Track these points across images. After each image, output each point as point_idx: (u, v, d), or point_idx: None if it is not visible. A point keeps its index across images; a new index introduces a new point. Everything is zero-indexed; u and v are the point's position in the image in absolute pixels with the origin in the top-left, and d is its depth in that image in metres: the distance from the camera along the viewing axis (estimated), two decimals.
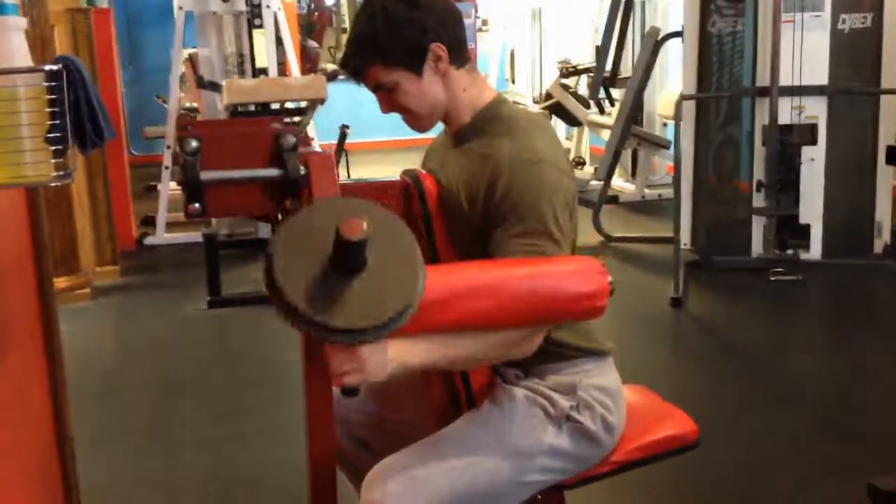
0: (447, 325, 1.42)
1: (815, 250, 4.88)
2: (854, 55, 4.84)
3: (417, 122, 1.68)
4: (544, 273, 1.47)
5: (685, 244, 5.02)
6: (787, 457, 2.86)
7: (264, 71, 5.53)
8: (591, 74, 6.81)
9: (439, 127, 1.78)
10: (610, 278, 1.49)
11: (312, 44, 10.59)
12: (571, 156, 7.76)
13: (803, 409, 3.21)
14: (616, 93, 6.86)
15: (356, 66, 1.63)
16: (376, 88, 1.65)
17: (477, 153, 1.62)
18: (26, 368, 2.03)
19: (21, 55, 1.60)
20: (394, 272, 1.28)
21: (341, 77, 1.59)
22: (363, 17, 1.62)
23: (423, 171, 1.69)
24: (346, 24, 10.87)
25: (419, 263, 1.31)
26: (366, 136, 8.46)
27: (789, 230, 4.86)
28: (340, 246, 1.22)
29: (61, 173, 1.47)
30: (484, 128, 1.65)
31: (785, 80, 4.69)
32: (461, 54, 1.66)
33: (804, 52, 4.69)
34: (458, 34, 1.66)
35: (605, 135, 6.64)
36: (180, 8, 5.77)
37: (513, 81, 9.51)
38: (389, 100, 1.65)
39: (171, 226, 5.96)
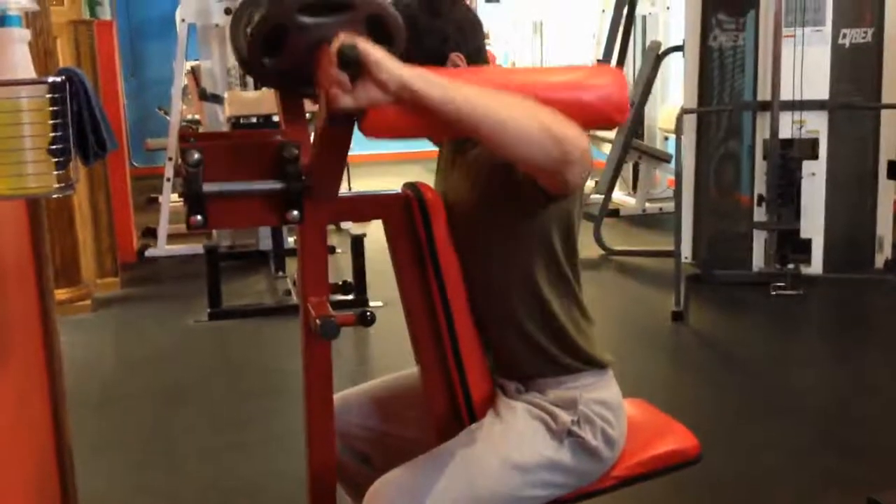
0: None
1: (816, 265, 4.88)
2: (855, 70, 4.85)
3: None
4: (573, 78, 1.47)
5: (686, 258, 5.02)
6: (787, 470, 2.85)
7: None
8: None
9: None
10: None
11: None
12: None
13: (804, 423, 3.21)
14: None
15: None
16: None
17: (480, 152, 1.60)
18: (26, 378, 2.03)
19: (24, 67, 1.60)
20: None
21: None
22: None
23: (425, 183, 1.69)
24: None
25: None
26: (368, 148, 8.45)
27: (790, 244, 4.85)
28: None
29: (63, 185, 1.48)
30: None
31: (786, 94, 4.70)
32: (479, 62, 1.66)
33: (805, 67, 4.70)
34: (478, 43, 1.66)
35: (606, 148, 6.65)
36: (183, 20, 5.79)
37: None
38: None
39: (172, 237, 5.96)
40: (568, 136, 1.31)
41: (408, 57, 1.42)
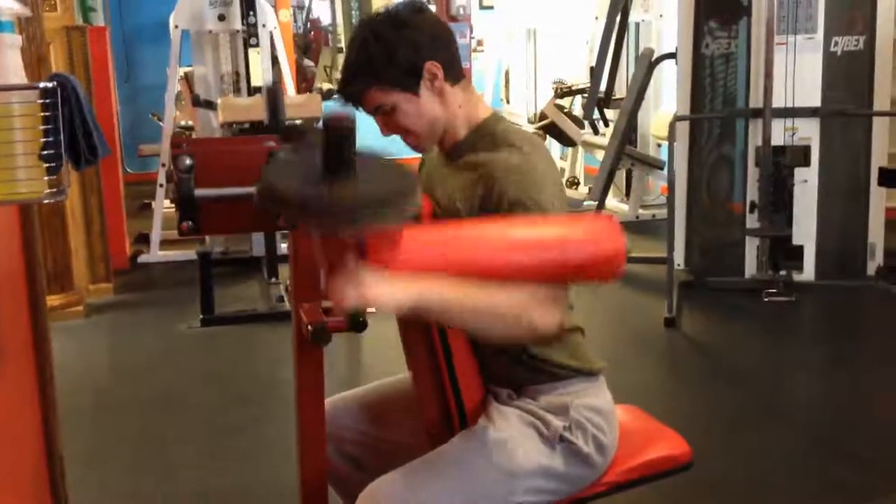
0: (460, 270, 1.39)
1: (808, 271, 4.89)
2: (847, 77, 4.87)
3: (418, 141, 1.68)
4: (563, 233, 1.46)
5: (679, 264, 5.03)
6: (781, 476, 2.86)
7: (260, 90, 5.54)
8: (586, 95, 6.84)
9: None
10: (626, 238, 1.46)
11: (308, 63, 10.61)
12: (566, 176, 7.77)
13: (797, 429, 3.21)
14: (610, 113, 6.88)
15: (354, 92, 1.63)
16: (375, 111, 1.65)
17: (472, 167, 1.62)
18: (17, 386, 2.02)
19: (16, 72, 1.60)
20: (388, 180, 1.30)
21: (337, 96, 1.59)
22: (355, 43, 1.62)
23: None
24: (342, 44, 10.88)
25: (412, 172, 1.32)
26: None
27: (783, 251, 4.86)
28: (331, 139, 1.22)
29: (55, 190, 1.48)
30: (478, 144, 1.65)
31: (778, 101, 4.71)
32: (455, 71, 1.66)
33: (797, 75, 4.72)
34: (451, 51, 1.66)
35: (600, 155, 6.66)
36: (176, 26, 5.79)
37: (507, 101, 9.54)
38: (389, 122, 1.65)
39: (165, 243, 5.94)
40: (542, 326, 1.44)
41: (384, 75, 1.56)
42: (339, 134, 1.21)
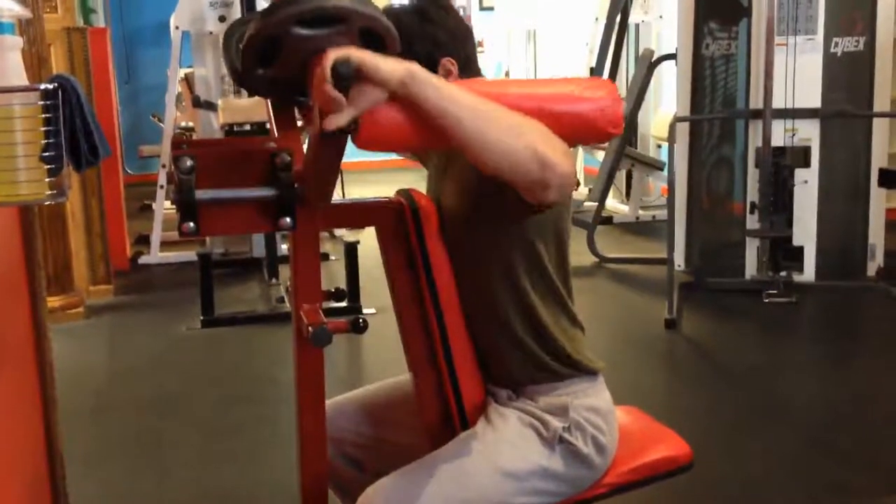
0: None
1: (808, 272, 4.89)
2: (847, 78, 4.87)
3: None
4: (563, 94, 1.45)
5: (679, 265, 5.03)
6: (782, 477, 2.86)
7: None
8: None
9: None
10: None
11: None
12: None
13: (798, 430, 3.21)
14: None
15: None
16: None
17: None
18: (18, 387, 2.03)
19: (17, 74, 1.60)
20: None
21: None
22: None
23: (418, 190, 1.69)
24: None
25: None
26: (362, 155, 8.46)
27: (783, 252, 4.87)
28: None
29: (56, 192, 1.48)
30: None
31: (778, 102, 4.71)
32: (471, 70, 1.67)
33: (797, 75, 4.72)
34: (468, 50, 1.67)
35: (600, 156, 6.67)
36: (177, 27, 5.79)
37: None
38: None
39: (165, 245, 5.95)
40: (551, 161, 1.31)
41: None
42: None
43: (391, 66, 1.27)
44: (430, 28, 1.61)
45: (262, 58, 1.34)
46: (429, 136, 1.35)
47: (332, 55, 1.23)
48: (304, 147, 1.46)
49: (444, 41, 1.62)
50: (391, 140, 1.37)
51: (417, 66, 1.30)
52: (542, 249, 1.61)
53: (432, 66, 1.61)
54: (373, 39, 1.33)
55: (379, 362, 3.92)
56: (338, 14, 1.28)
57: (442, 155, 1.73)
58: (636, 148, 7.18)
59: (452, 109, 1.30)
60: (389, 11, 1.62)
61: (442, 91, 1.30)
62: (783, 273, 4.78)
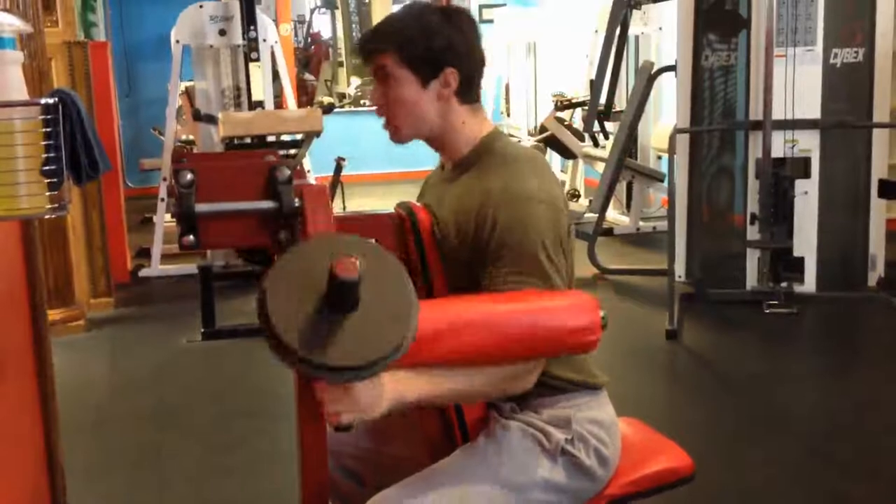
0: (440, 359, 1.42)
1: (809, 283, 4.89)
2: (846, 89, 4.88)
3: (396, 131, 1.68)
4: (537, 308, 1.48)
5: (680, 276, 5.03)
6: (784, 488, 2.85)
7: (260, 104, 5.55)
8: (586, 108, 6.85)
9: (434, 160, 1.79)
10: (602, 312, 1.49)
11: (309, 77, 10.66)
12: (566, 188, 7.78)
13: (800, 441, 3.20)
14: (610, 126, 6.90)
15: (374, 46, 1.65)
16: (377, 72, 1.65)
17: (470, 188, 1.62)
18: (19, 399, 2.02)
19: (18, 88, 1.61)
20: (387, 309, 1.28)
21: (337, 110, 1.61)
22: (403, 10, 1.68)
23: (418, 204, 1.70)
24: (343, 58, 10.94)
25: (413, 299, 1.31)
26: (362, 168, 8.48)
27: (783, 263, 4.86)
28: (334, 285, 1.22)
29: (56, 206, 1.48)
30: (478, 161, 1.66)
31: (778, 113, 4.72)
32: (470, 91, 1.68)
33: (797, 87, 4.73)
34: (475, 72, 1.68)
35: (600, 167, 6.67)
36: (177, 41, 5.81)
37: (508, 114, 9.57)
38: (384, 93, 1.66)
39: (166, 258, 5.95)
40: (517, 392, 1.56)
41: (411, 48, 1.59)
42: (342, 283, 1.21)
43: (379, 408, 1.38)
44: (451, 33, 1.63)
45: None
46: None
47: (332, 419, 1.35)
48: None
49: (457, 51, 1.63)
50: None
51: (399, 392, 1.40)
52: None
53: (436, 69, 1.62)
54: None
55: None
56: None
57: (451, 165, 1.73)
58: (636, 159, 7.19)
59: (436, 402, 1.52)
60: (420, 3, 1.65)
61: (428, 402, 1.48)
62: (784, 284, 4.78)
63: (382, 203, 1.58)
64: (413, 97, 1.64)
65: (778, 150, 4.76)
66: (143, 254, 6.27)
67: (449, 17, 1.64)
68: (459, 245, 1.60)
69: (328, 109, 5.65)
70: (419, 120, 1.66)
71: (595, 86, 6.38)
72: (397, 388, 1.40)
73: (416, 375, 1.42)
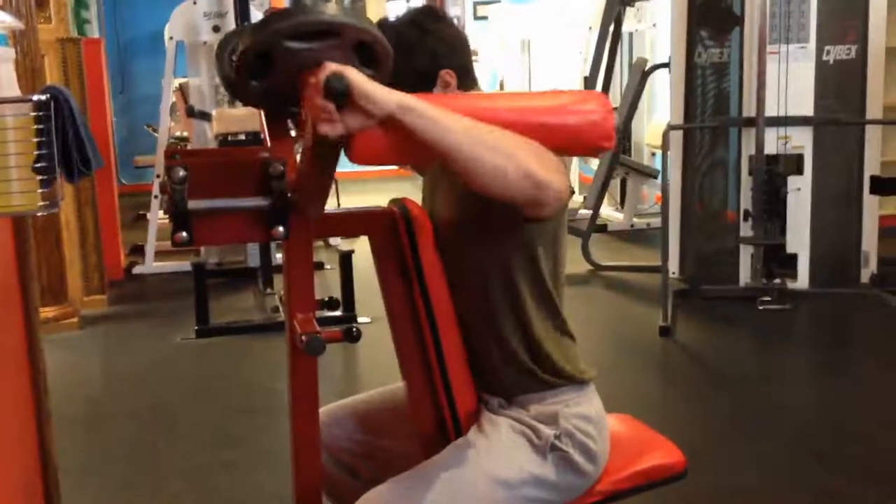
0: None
1: (802, 279, 4.91)
2: (839, 86, 4.89)
3: None
4: (557, 101, 1.46)
5: (673, 273, 5.04)
6: (776, 485, 2.86)
7: None
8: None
9: None
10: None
11: None
12: None
13: (792, 438, 3.21)
14: None
15: None
16: None
17: None
18: (11, 398, 2.02)
19: (9, 85, 1.61)
20: None
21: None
22: None
23: (411, 199, 1.70)
24: None
25: None
26: (356, 165, 8.49)
27: (777, 259, 4.88)
28: None
29: (48, 202, 1.48)
30: None
31: (771, 110, 4.73)
32: (469, 80, 1.68)
33: (789, 84, 4.74)
34: (466, 61, 1.68)
35: (594, 164, 6.68)
36: (171, 38, 5.80)
37: None
38: None
39: (159, 255, 5.95)
40: (544, 179, 1.34)
41: (397, 76, 1.45)
42: None
43: (382, 95, 1.25)
44: (430, 40, 1.62)
45: (255, 70, 1.34)
46: (422, 153, 1.36)
47: (327, 70, 1.23)
48: (298, 157, 1.47)
49: (442, 53, 1.63)
50: (384, 155, 1.37)
51: (409, 97, 1.28)
52: (539, 257, 1.61)
53: (432, 79, 1.62)
54: (367, 56, 1.33)
55: (373, 371, 3.92)
56: (330, 28, 1.28)
57: (436, 164, 1.73)
58: (630, 156, 7.20)
59: (445, 138, 1.30)
60: (386, 24, 1.63)
61: (434, 122, 1.29)
62: (777, 280, 4.79)
63: (377, 200, 1.58)
64: None
65: (771, 147, 4.77)
66: (137, 251, 6.27)
67: (421, 28, 1.63)
68: (459, 228, 1.60)
69: None
70: None
71: (589, 82, 6.38)
72: (407, 95, 1.28)
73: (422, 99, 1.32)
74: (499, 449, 1.59)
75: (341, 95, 1.22)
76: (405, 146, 1.33)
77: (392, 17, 1.67)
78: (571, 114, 1.45)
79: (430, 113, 1.29)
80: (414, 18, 1.64)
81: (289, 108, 1.49)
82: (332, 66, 1.23)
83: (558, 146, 1.42)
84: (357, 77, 1.24)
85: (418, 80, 1.60)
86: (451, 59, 1.64)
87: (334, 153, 1.35)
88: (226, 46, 1.57)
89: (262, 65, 1.32)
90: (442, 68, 1.63)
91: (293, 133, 1.57)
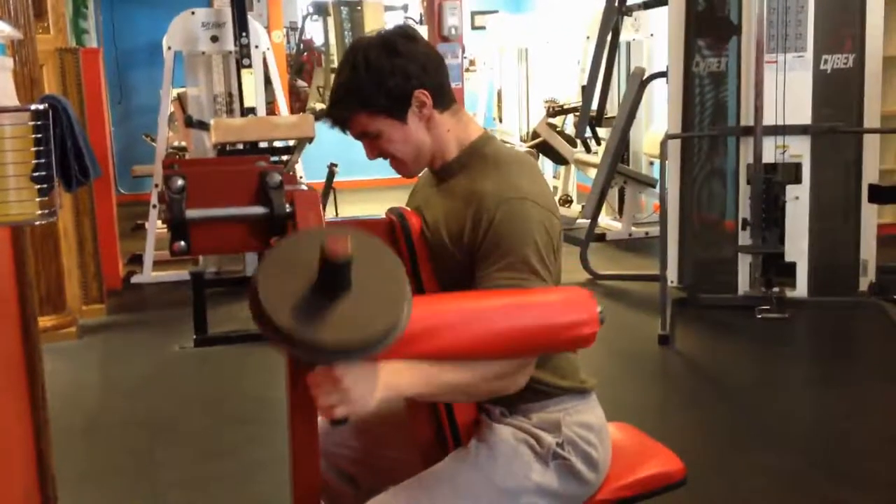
0: (434, 353, 1.40)
1: (800, 288, 4.90)
2: (837, 95, 4.90)
3: (404, 167, 1.70)
4: (533, 302, 1.48)
5: (672, 282, 5.03)
6: (776, 494, 2.85)
7: (252, 110, 5.56)
8: (578, 114, 6.87)
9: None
10: (599, 307, 1.49)
11: (301, 83, 10.66)
12: (558, 194, 7.80)
13: (792, 447, 3.21)
14: (602, 132, 6.92)
15: (340, 116, 1.65)
16: (361, 136, 1.66)
17: (460, 190, 1.63)
18: (9, 407, 2.02)
19: (7, 95, 1.61)
20: (379, 293, 1.28)
21: (324, 119, 1.61)
22: (346, 67, 1.62)
23: (409, 209, 1.70)
24: (335, 64, 10.94)
25: (405, 284, 1.31)
26: (354, 174, 8.48)
27: (775, 268, 4.87)
28: (325, 265, 1.21)
29: (46, 212, 1.48)
30: (468, 164, 1.66)
31: (768, 119, 4.74)
32: (445, 98, 1.67)
33: (787, 93, 4.75)
34: (441, 78, 1.67)
35: (592, 173, 6.68)
36: (169, 48, 5.81)
37: (500, 120, 9.59)
38: (374, 146, 1.67)
39: (158, 264, 5.95)
40: (508, 390, 1.52)
41: (372, 99, 1.57)
42: (334, 261, 1.21)
43: (372, 403, 1.34)
44: (401, 62, 1.61)
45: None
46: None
47: (327, 410, 1.32)
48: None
49: (415, 73, 1.62)
50: None
51: (393, 386, 1.37)
52: None
53: (405, 100, 1.62)
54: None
55: None
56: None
57: (436, 171, 1.73)
58: (628, 165, 7.21)
59: (429, 395, 1.46)
60: (359, 47, 1.63)
61: (418, 394, 1.44)
62: (776, 289, 4.79)
63: (375, 209, 1.58)
64: (401, 136, 1.64)
65: (769, 156, 4.78)
66: (135, 260, 6.27)
67: (390, 50, 1.61)
68: (451, 248, 1.61)
69: (320, 116, 5.64)
70: (417, 150, 1.67)
71: (587, 92, 6.40)
72: (391, 380, 1.37)
73: (410, 367, 1.39)
74: (501, 458, 1.59)
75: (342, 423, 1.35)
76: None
77: (363, 39, 1.66)
78: (559, 319, 1.47)
79: (413, 390, 1.42)
80: (384, 40, 1.63)
81: None
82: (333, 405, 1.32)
83: (543, 349, 1.54)
84: (351, 409, 1.32)
85: (392, 104, 1.61)
86: (424, 79, 1.63)
87: None
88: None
89: None
90: (416, 88, 1.62)
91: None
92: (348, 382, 1.31)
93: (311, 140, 4.94)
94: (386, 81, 1.59)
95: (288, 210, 1.45)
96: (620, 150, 6.23)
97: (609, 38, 6.11)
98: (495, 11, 10.23)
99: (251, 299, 1.25)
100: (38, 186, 1.44)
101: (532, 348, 1.49)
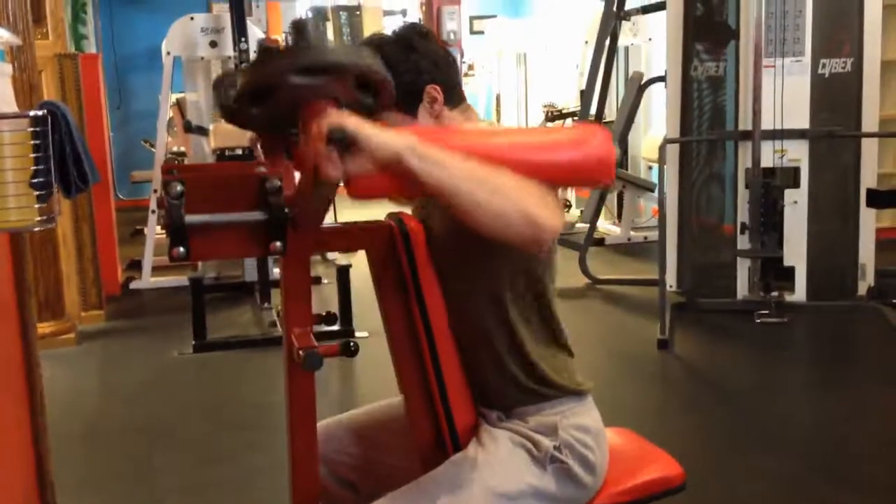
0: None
1: (799, 292, 4.91)
2: (834, 99, 4.91)
3: None
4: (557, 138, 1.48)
5: (671, 286, 5.04)
6: (775, 499, 2.85)
7: None
8: (576, 118, 6.88)
9: None
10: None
11: None
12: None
13: (791, 451, 3.21)
14: None
15: None
16: None
17: None
18: (8, 413, 2.02)
19: (6, 101, 1.61)
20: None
21: None
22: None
23: (408, 214, 1.70)
24: None
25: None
26: None
27: (774, 272, 4.88)
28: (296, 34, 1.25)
29: (45, 218, 1.48)
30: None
31: (767, 123, 4.74)
32: (455, 95, 1.69)
33: (785, 97, 4.76)
34: (452, 76, 1.69)
35: None
36: (168, 53, 5.82)
37: (498, 124, 9.60)
38: None
39: (157, 270, 5.94)
40: (545, 224, 1.34)
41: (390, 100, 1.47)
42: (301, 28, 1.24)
43: (385, 141, 1.26)
44: (414, 57, 1.63)
45: (256, 98, 1.35)
46: (423, 190, 1.36)
47: (329, 120, 1.24)
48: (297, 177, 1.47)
49: (428, 69, 1.64)
50: (384, 190, 1.40)
51: (413, 140, 1.29)
52: (531, 273, 1.61)
53: (418, 95, 1.63)
54: (368, 87, 1.34)
55: (371, 385, 3.92)
56: (333, 67, 1.29)
57: None
58: (627, 169, 7.21)
59: (448, 182, 1.31)
60: (372, 41, 1.65)
61: (437, 165, 1.30)
62: (774, 293, 4.79)
63: (374, 214, 1.57)
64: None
65: (767, 160, 4.79)
66: (134, 266, 6.26)
67: (405, 46, 1.64)
68: (454, 242, 1.60)
69: None
70: None
71: (585, 96, 6.40)
72: (411, 138, 1.29)
73: (437, 147, 1.32)
74: (498, 462, 1.59)
75: (343, 143, 1.24)
76: (406, 183, 1.34)
77: (377, 36, 1.68)
78: (575, 150, 1.46)
79: (435, 157, 1.30)
80: (399, 35, 1.66)
81: (287, 131, 1.49)
82: (334, 116, 1.25)
83: (561, 182, 1.47)
84: (359, 125, 1.25)
85: (405, 95, 1.62)
86: (437, 74, 1.65)
87: (333, 187, 1.36)
88: (222, 82, 1.57)
89: (261, 94, 1.33)
90: (427, 83, 1.64)
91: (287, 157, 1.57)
92: (371, 128, 1.26)
93: None
94: (399, 76, 1.60)
95: (287, 215, 1.45)
96: (619, 155, 6.23)
97: (607, 42, 6.11)
98: (494, 16, 10.25)
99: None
100: (37, 193, 1.45)
101: (552, 175, 1.44)
